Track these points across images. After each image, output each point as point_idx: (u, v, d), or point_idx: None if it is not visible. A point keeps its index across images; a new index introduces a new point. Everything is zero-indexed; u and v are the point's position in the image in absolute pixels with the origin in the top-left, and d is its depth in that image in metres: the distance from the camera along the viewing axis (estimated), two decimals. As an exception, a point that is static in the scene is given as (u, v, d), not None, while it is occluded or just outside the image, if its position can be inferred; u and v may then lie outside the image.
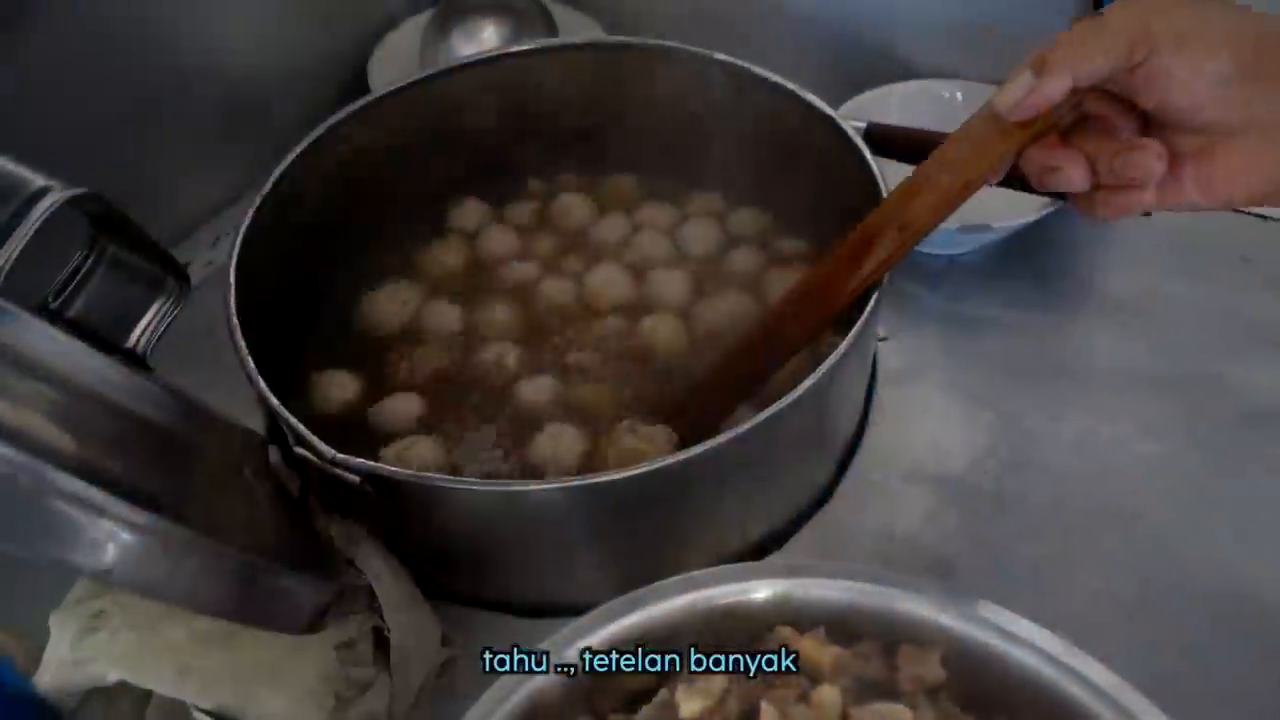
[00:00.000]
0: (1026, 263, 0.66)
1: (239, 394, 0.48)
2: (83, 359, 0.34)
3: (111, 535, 0.30)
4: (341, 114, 0.61)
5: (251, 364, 0.48)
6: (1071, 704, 0.34)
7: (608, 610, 0.37)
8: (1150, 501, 0.53)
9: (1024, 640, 0.35)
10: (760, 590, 0.38)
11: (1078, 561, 0.51)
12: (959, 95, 0.70)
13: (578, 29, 0.81)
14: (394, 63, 0.78)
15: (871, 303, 0.47)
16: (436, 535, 0.49)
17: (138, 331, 0.48)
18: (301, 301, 0.62)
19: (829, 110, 0.58)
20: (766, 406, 0.44)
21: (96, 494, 0.30)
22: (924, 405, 0.59)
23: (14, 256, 0.39)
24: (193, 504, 0.34)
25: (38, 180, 0.40)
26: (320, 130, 0.60)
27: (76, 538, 0.29)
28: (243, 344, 0.49)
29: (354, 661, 0.44)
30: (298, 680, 0.42)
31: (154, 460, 0.34)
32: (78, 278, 0.47)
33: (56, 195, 0.39)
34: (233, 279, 0.52)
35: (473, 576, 0.51)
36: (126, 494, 0.30)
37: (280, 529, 0.40)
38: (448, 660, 0.48)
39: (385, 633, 0.45)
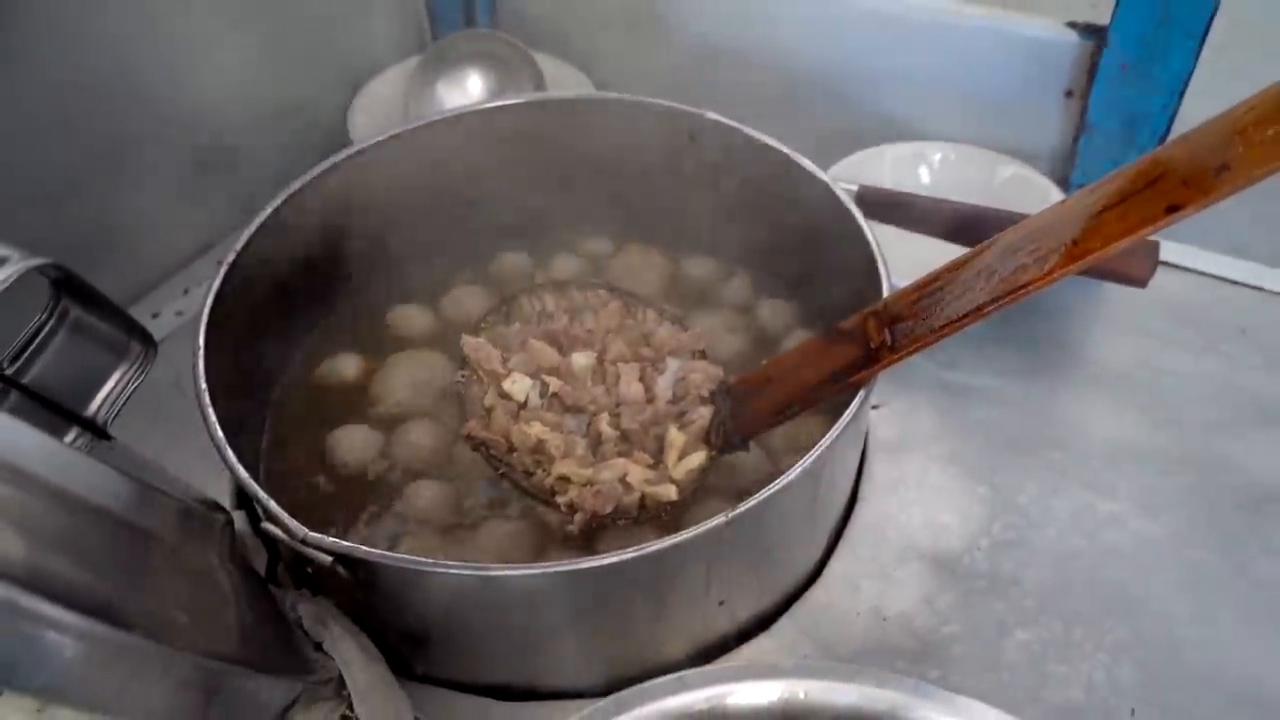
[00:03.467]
0: (1019, 329, 0.65)
1: (206, 453, 0.46)
2: (27, 442, 0.32)
3: (57, 649, 0.28)
4: (322, 166, 0.59)
5: (220, 434, 0.46)
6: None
7: (592, 715, 0.35)
8: (1151, 584, 0.52)
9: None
10: (756, 692, 0.36)
11: (1078, 648, 0.50)
12: (951, 157, 0.70)
13: (566, 82, 0.80)
14: (376, 111, 0.78)
15: (862, 394, 0.46)
16: (412, 616, 0.47)
17: (99, 399, 0.46)
18: (273, 360, 0.60)
19: (821, 173, 0.57)
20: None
21: (40, 604, 0.27)
22: (917, 478, 0.58)
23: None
24: (148, 604, 0.32)
25: (-7, 251, 0.38)
26: (299, 184, 0.58)
27: (16, 653, 0.27)
28: (211, 413, 0.47)
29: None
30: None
31: (105, 556, 0.32)
32: (36, 342, 0.45)
33: (14, 266, 0.37)
34: (201, 342, 0.50)
35: (449, 659, 0.49)
36: (73, 601, 0.28)
37: (245, 621, 0.38)
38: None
39: (354, 723, 0.43)
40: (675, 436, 0.50)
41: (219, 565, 0.39)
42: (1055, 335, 0.65)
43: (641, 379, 0.52)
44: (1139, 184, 0.35)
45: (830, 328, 0.47)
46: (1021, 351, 0.64)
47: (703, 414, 0.50)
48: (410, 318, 0.62)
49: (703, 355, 0.54)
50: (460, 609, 0.45)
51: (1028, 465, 0.58)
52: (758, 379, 0.50)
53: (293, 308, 0.60)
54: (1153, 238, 0.58)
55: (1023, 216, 0.59)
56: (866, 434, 0.59)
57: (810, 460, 0.44)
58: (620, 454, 0.50)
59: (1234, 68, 0.61)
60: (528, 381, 0.52)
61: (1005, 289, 0.39)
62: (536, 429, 0.50)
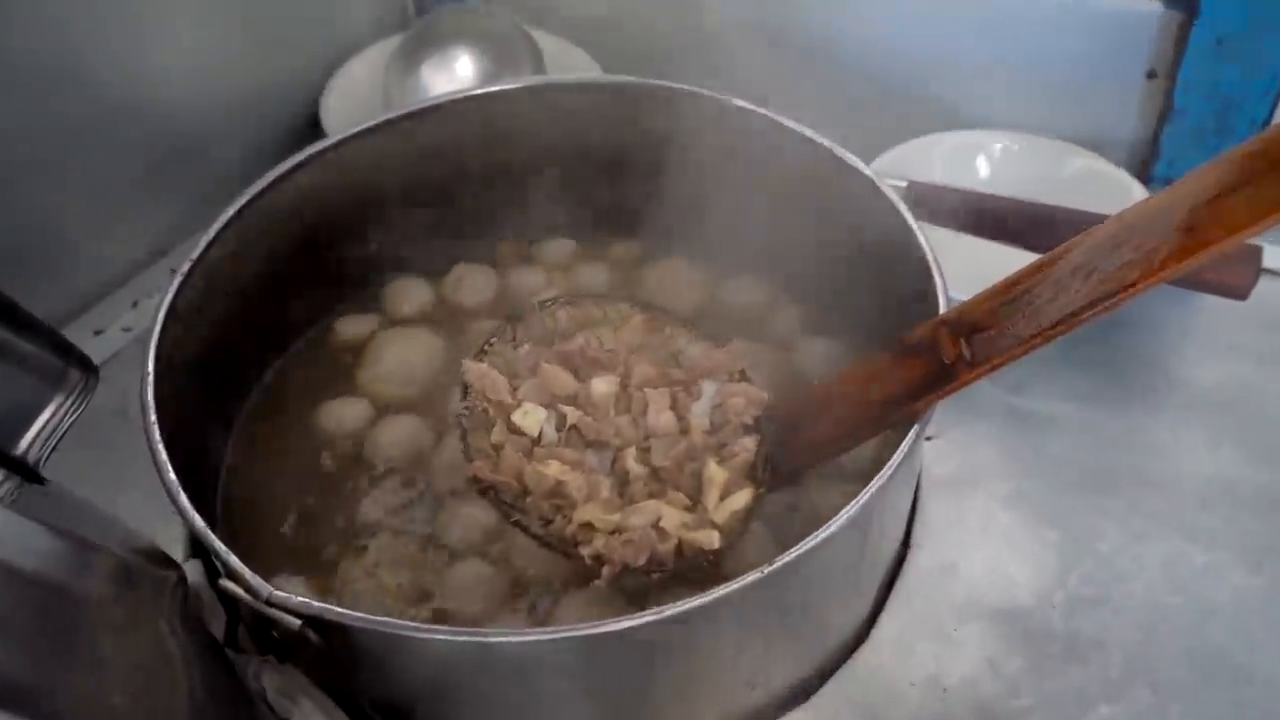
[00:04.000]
0: (1099, 348, 0.63)
1: (158, 492, 0.45)
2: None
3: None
4: (291, 162, 0.58)
5: (172, 476, 0.46)
6: None
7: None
8: (1257, 648, 0.50)
9: None
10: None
11: (1173, 726, 0.48)
12: (1013, 148, 0.69)
13: (569, 64, 0.79)
14: (352, 98, 0.77)
15: (915, 429, 0.44)
16: (395, 688, 0.46)
17: (30, 436, 0.44)
18: (235, 384, 0.59)
19: (866, 169, 0.56)
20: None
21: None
22: (980, 521, 0.56)
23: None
24: (79, 687, 0.31)
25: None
26: (263, 183, 0.57)
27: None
28: (162, 452, 0.46)
29: None
30: None
31: (26, 630, 0.30)
32: (-42, 368, 0.44)
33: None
34: (150, 367, 0.49)
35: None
36: (-5, 689, 0.27)
37: (197, 699, 0.36)
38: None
39: (326, 818, 0.41)
40: (715, 473, 0.48)
41: (167, 633, 0.38)
42: (1140, 354, 0.64)
43: (673, 406, 0.50)
44: (1267, 160, 0.34)
45: (894, 341, 0.45)
46: (1100, 373, 0.63)
47: (746, 445, 0.49)
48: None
49: (743, 376, 0.52)
50: (452, 680, 0.44)
51: (1109, 507, 0.56)
52: (809, 403, 0.48)
53: (259, 324, 0.59)
54: (1255, 242, 0.57)
55: (1099, 217, 0.58)
56: (920, 470, 0.58)
57: (858, 507, 0.42)
58: (652, 495, 0.48)
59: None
60: (542, 413, 0.50)
61: (1108, 290, 0.37)
62: (554, 469, 0.48)
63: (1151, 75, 0.66)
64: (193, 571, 0.50)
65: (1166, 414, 0.61)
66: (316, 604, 0.41)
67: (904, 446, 0.44)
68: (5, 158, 0.62)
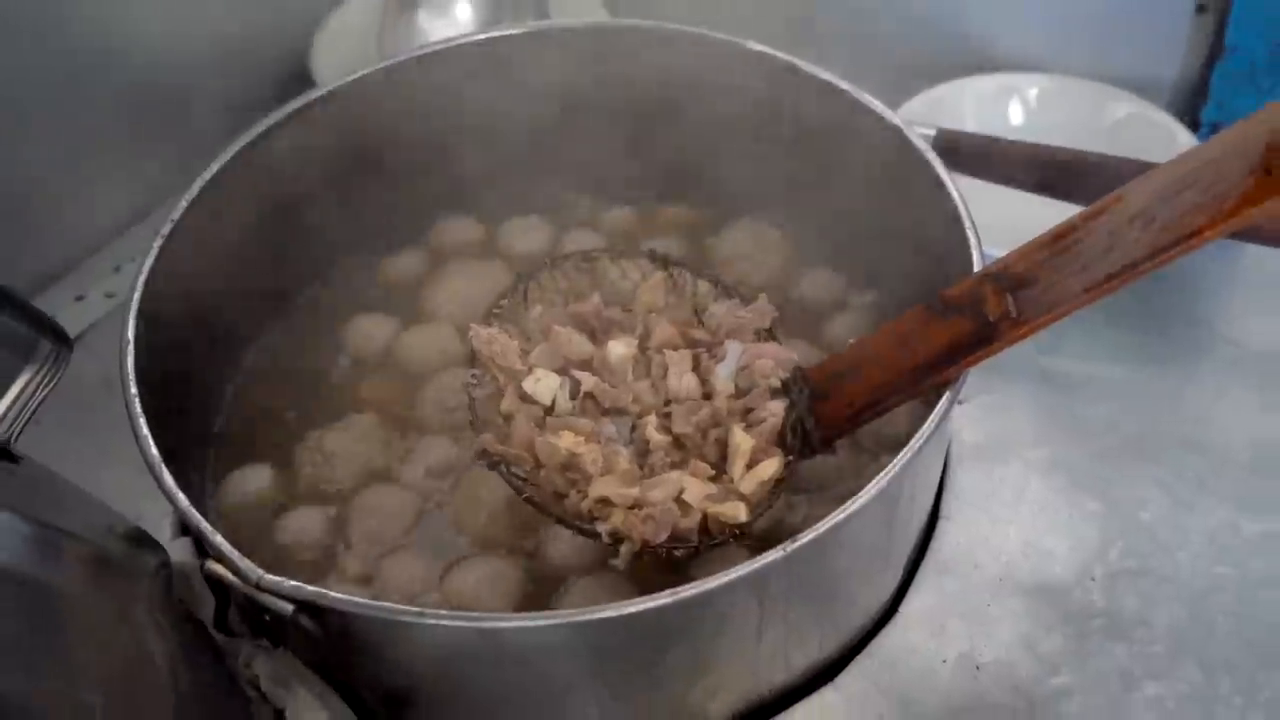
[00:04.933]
0: (1141, 305, 0.62)
1: (137, 468, 0.43)
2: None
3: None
4: (279, 114, 0.56)
5: (154, 452, 0.45)
6: None
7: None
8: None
9: None
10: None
11: (1225, 704, 0.47)
12: (1050, 91, 0.67)
13: (575, 9, 0.77)
14: (343, 47, 0.76)
15: (949, 394, 0.42)
16: (393, 675, 0.45)
17: (1, 411, 0.42)
18: (220, 349, 0.58)
19: (892, 116, 0.54)
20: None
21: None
22: (1013, 491, 0.55)
23: None
24: (52, 684, 0.29)
25: None
26: (250, 136, 0.56)
27: None
28: (144, 426, 0.45)
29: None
30: None
31: (5, 635, 0.28)
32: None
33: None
34: (131, 335, 0.47)
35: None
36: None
37: (182, 692, 0.35)
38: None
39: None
40: (741, 440, 0.45)
41: (148, 623, 0.36)
42: (1185, 311, 0.62)
43: (695, 369, 0.48)
44: None
45: (933, 299, 0.43)
46: (1140, 331, 0.61)
47: (774, 410, 0.46)
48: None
49: (770, 336, 0.49)
50: (453, 666, 0.43)
51: (1152, 474, 0.55)
52: (842, 364, 0.46)
53: (247, 287, 0.58)
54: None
55: (1144, 165, 0.55)
56: (950, 437, 0.56)
57: (887, 479, 0.40)
58: (673, 465, 0.46)
59: None
60: (554, 379, 0.48)
61: (1171, 238, 0.35)
62: (567, 440, 0.46)
63: (1201, 9, 0.64)
64: (180, 550, 0.48)
65: (1213, 374, 0.59)
66: (309, 589, 0.40)
67: (937, 413, 0.42)
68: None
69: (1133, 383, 0.59)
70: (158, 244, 0.51)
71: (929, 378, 0.42)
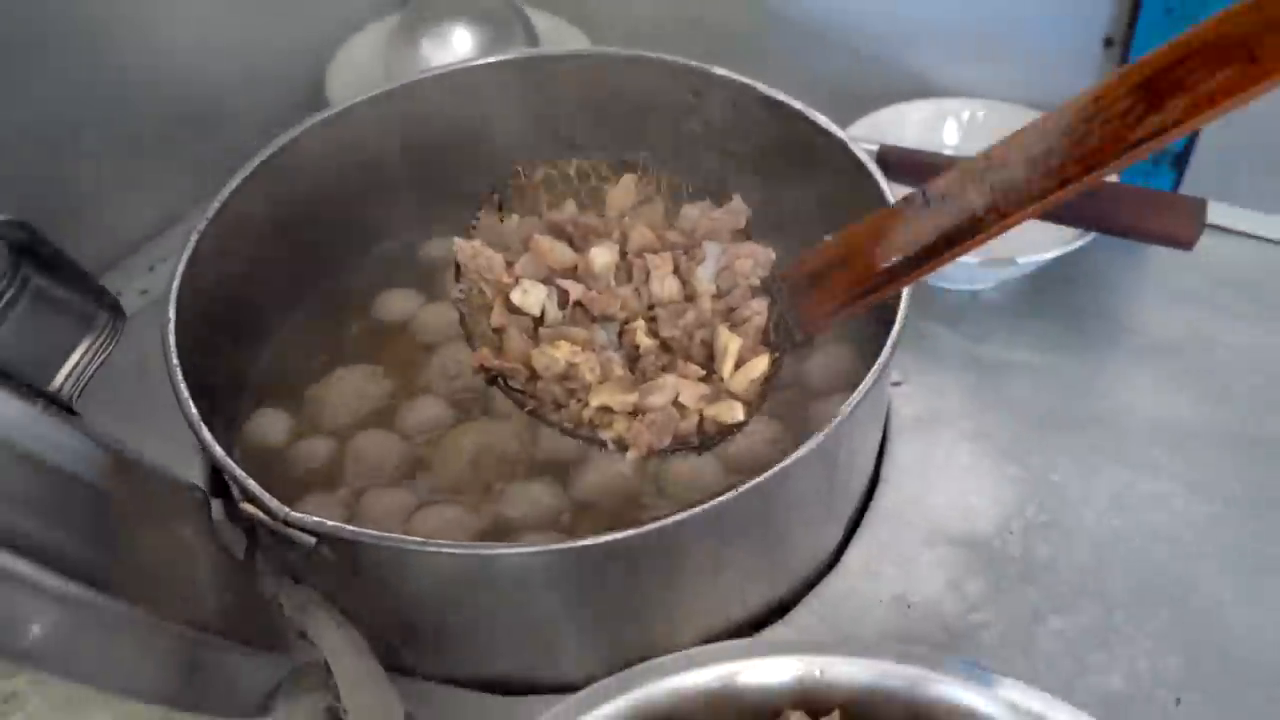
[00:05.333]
0: (1056, 300, 0.67)
1: (176, 437, 0.48)
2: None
3: (35, 612, 0.30)
4: (298, 130, 0.61)
5: (193, 410, 0.48)
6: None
7: (597, 691, 0.37)
8: (1197, 568, 0.54)
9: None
10: (769, 669, 0.38)
11: (1118, 634, 0.51)
12: (980, 115, 0.72)
13: (561, 39, 0.82)
14: (354, 71, 0.80)
15: (885, 353, 0.47)
16: (402, 603, 0.49)
17: (64, 373, 0.47)
18: (249, 336, 0.62)
19: (839, 132, 0.59)
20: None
21: (17, 564, 0.29)
22: (944, 459, 0.59)
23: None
24: (126, 573, 0.34)
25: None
26: (273, 148, 0.60)
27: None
28: (184, 388, 0.49)
29: (305, 746, 0.44)
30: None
31: (82, 523, 0.34)
32: (-4, 311, 0.47)
33: (-25, 225, 0.39)
34: (172, 313, 0.52)
35: (442, 650, 0.51)
36: (52, 562, 0.30)
37: (225, 599, 0.40)
38: (411, 745, 0.48)
39: (342, 714, 0.45)
40: (728, 340, 0.44)
41: (195, 539, 0.41)
42: (1095, 306, 0.67)
43: (676, 272, 0.46)
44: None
45: (915, 193, 0.41)
46: (1058, 323, 0.66)
47: (757, 309, 0.45)
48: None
49: (746, 235, 0.48)
50: (454, 592, 0.47)
51: (1064, 444, 0.60)
52: (822, 261, 0.44)
53: (272, 280, 0.62)
54: (1200, 196, 0.60)
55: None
56: (889, 412, 0.61)
57: (824, 436, 0.45)
58: (663, 369, 0.45)
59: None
60: (541, 290, 0.46)
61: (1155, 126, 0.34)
62: (564, 350, 0.44)
63: (1108, 43, 0.69)
64: (214, 509, 0.53)
65: (1119, 361, 0.64)
66: (330, 522, 0.44)
67: (867, 381, 0.47)
68: (25, 126, 0.65)
69: (1050, 367, 0.64)
70: (193, 240, 0.55)
71: (915, 270, 0.41)
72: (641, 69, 0.64)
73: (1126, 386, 0.63)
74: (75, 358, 0.48)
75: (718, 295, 0.47)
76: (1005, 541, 0.56)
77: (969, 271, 0.65)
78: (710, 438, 0.45)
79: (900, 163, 0.66)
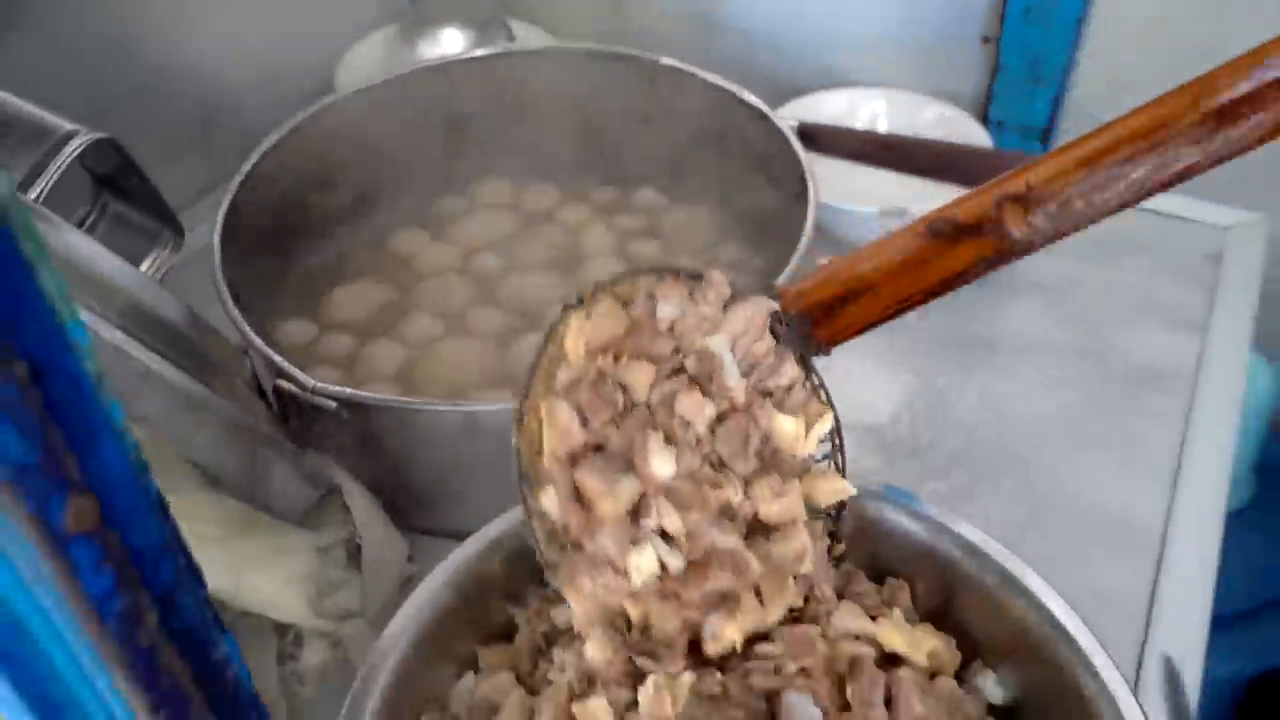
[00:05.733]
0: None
1: None
2: (115, 265, 0.45)
3: (151, 389, 0.41)
4: (312, 109, 0.72)
5: (236, 311, 0.59)
6: (949, 560, 0.45)
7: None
8: (1045, 447, 0.65)
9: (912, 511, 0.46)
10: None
11: (980, 494, 0.63)
12: (884, 101, 0.85)
13: (530, 39, 0.95)
14: (361, 70, 0.91)
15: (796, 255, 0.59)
16: (403, 461, 0.59)
17: (138, 278, 0.58)
18: (279, 266, 0.73)
19: (768, 110, 0.71)
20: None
21: (142, 351, 0.40)
22: (851, 369, 0.71)
23: (47, 189, 0.50)
24: (210, 380, 0.45)
25: (65, 125, 0.51)
26: (300, 118, 0.71)
27: (124, 387, 0.40)
28: (227, 294, 0.59)
29: (331, 564, 0.54)
30: (283, 572, 0.52)
31: (179, 351, 0.45)
32: (82, 229, 0.58)
33: (82, 138, 0.50)
34: (217, 241, 0.62)
35: (439, 509, 0.61)
36: (163, 354, 0.41)
37: (274, 431, 0.50)
38: (412, 575, 0.58)
39: (358, 542, 0.55)
40: (785, 423, 0.40)
41: (244, 393, 0.52)
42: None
43: (699, 388, 0.38)
44: None
45: (940, 221, 0.39)
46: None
47: (789, 374, 0.40)
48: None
49: (735, 296, 0.39)
50: (450, 448, 0.57)
51: (948, 356, 0.72)
52: (832, 291, 0.41)
53: (298, 240, 0.73)
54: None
55: (951, 144, 0.74)
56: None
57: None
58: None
59: (1125, 7, 0.76)
60: (649, 555, 0.36)
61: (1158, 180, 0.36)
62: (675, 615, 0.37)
63: (985, 40, 0.82)
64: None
65: (998, 294, 0.76)
66: (348, 390, 0.55)
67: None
68: (74, 115, 0.76)
69: (944, 302, 0.75)
70: (230, 193, 0.66)
71: (941, 293, 0.41)
72: (602, 62, 0.76)
73: (1001, 314, 0.75)
74: (145, 265, 0.59)
75: (750, 382, 0.40)
76: (896, 428, 0.67)
77: (870, 223, 0.77)
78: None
79: (817, 136, 0.79)
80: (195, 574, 0.30)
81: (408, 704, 0.43)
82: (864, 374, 0.71)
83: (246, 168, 0.68)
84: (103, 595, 0.27)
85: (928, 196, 0.74)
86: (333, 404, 0.55)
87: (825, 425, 0.42)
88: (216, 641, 0.33)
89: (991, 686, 0.42)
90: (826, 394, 0.42)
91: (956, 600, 0.45)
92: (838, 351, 0.61)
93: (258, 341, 0.57)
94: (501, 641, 0.47)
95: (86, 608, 0.26)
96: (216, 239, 0.63)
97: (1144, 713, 0.37)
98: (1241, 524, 1.26)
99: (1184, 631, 0.55)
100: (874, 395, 0.69)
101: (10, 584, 0.25)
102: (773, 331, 0.40)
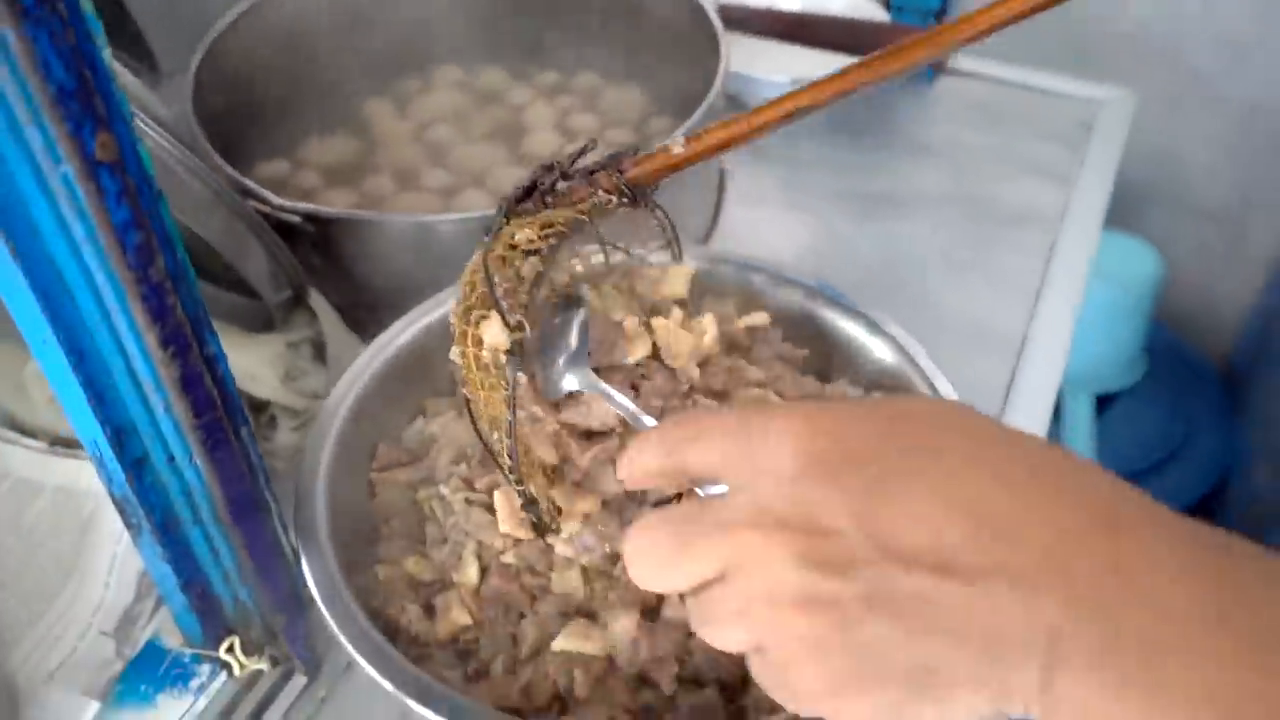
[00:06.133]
0: (852, 117, 0.87)
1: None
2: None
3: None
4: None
5: (207, 144, 0.65)
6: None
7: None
8: (927, 275, 0.74)
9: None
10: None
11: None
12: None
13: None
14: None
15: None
16: (365, 273, 0.65)
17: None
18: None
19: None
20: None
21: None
22: (762, 217, 0.79)
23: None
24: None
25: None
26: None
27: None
28: (200, 133, 0.65)
29: (299, 356, 0.61)
30: (258, 354, 0.58)
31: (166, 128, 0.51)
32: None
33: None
34: (193, 71, 0.68)
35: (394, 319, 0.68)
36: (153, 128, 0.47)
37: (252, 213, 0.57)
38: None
39: (323, 341, 0.62)
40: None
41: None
42: (879, 121, 0.88)
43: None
44: None
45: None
46: (851, 132, 0.86)
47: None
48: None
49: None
50: (405, 258, 0.64)
51: (848, 207, 0.80)
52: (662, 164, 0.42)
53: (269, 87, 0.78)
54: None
55: (854, 20, 0.81)
56: (723, 190, 0.80)
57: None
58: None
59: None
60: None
61: None
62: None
63: None
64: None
65: (894, 156, 0.84)
66: (311, 206, 0.62)
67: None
68: None
69: (849, 162, 0.83)
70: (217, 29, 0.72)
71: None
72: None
73: (897, 173, 0.83)
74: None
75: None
76: (800, 265, 0.74)
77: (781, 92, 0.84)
78: None
79: (737, 16, 0.86)
80: (189, 272, 0.36)
81: (365, 435, 0.51)
82: (773, 223, 0.78)
83: (222, 26, 0.74)
84: (123, 225, 0.33)
85: (833, 65, 0.82)
86: (297, 219, 0.62)
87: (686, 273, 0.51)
88: (209, 339, 0.40)
89: (847, 387, 0.50)
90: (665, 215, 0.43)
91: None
92: (751, 206, 0.75)
93: (229, 169, 0.64)
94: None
95: (111, 236, 0.33)
96: (191, 78, 0.69)
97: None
98: (1135, 400, 1.37)
99: (1034, 413, 0.64)
100: (782, 240, 0.77)
101: (48, 215, 0.32)
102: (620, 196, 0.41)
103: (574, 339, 0.42)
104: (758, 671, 0.31)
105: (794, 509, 0.29)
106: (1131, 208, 1.36)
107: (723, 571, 0.30)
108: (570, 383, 0.42)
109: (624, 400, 0.40)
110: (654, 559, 0.31)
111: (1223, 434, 1.34)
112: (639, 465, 0.34)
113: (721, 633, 0.31)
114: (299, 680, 0.50)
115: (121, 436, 0.38)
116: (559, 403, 0.43)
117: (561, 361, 0.42)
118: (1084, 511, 0.28)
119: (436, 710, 0.36)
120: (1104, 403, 1.36)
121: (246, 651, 0.50)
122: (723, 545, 0.30)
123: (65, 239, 0.33)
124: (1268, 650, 0.26)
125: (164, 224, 0.35)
